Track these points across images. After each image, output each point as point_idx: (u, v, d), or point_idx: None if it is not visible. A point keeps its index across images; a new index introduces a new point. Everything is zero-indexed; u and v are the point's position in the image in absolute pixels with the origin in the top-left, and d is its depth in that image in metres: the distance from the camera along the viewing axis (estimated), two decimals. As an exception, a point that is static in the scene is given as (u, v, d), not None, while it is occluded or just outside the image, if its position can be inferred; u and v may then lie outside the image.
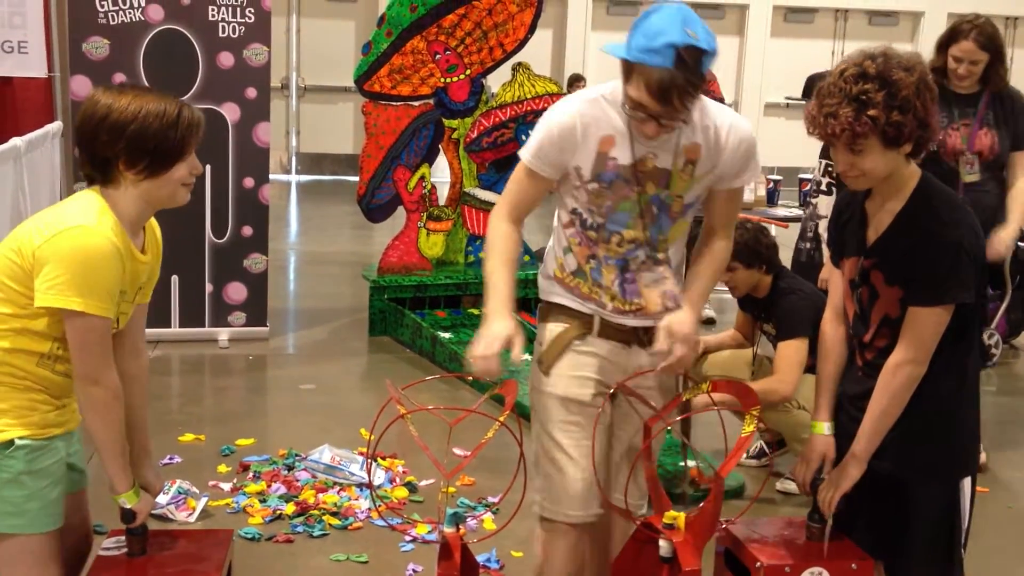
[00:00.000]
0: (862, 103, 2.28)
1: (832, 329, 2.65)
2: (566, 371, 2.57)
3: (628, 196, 2.48)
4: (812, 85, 5.19)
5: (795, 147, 8.04)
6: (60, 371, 2.34)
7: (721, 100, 6.69)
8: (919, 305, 2.40)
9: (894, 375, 2.45)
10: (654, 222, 2.51)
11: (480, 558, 3.35)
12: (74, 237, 2.21)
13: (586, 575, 2.70)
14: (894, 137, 2.31)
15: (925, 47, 14.84)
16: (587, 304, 2.58)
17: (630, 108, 2.35)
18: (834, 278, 2.67)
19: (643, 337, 2.59)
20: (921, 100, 2.32)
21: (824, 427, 2.63)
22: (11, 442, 2.26)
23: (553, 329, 2.61)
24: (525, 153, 2.53)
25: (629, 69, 2.31)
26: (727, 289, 4.19)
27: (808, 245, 5.06)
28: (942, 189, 2.48)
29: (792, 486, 4.18)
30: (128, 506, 2.40)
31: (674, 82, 2.24)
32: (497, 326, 2.41)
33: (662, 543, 2.42)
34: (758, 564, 2.52)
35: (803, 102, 3.74)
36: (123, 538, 2.47)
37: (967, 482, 2.58)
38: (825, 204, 4.89)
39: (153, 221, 2.47)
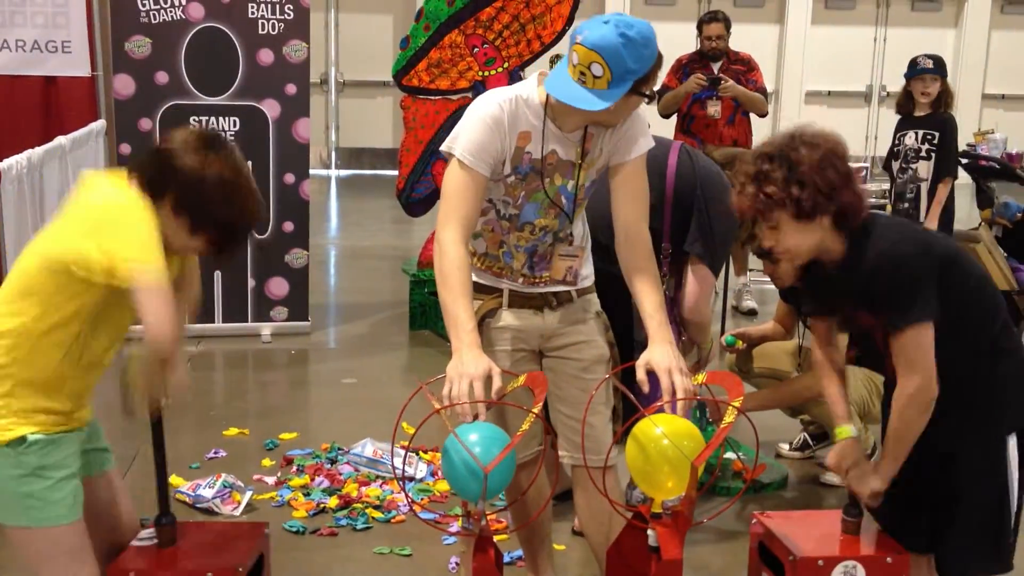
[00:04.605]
0: (762, 180, 2.41)
1: (823, 354, 2.71)
2: (485, 346, 2.67)
3: (539, 188, 2.65)
4: (915, 66, 5.83)
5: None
6: (85, 362, 2.33)
7: (763, 91, 6.66)
8: (892, 332, 2.43)
9: (906, 405, 2.46)
10: (562, 211, 2.69)
11: (516, 553, 3.37)
12: (111, 205, 2.22)
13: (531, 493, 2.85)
14: (799, 212, 2.39)
15: (969, 33, 14.66)
16: (498, 281, 2.76)
17: None
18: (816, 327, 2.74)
19: (552, 300, 2.77)
20: (823, 175, 2.38)
21: (849, 430, 2.66)
22: (23, 439, 2.28)
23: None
24: (462, 152, 2.53)
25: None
26: (769, 280, 4.14)
27: (906, 206, 5.81)
28: (878, 221, 2.49)
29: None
30: None
31: None
32: (470, 363, 2.36)
33: (650, 532, 2.42)
34: (791, 557, 2.51)
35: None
36: (155, 530, 2.51)
37: (1012, 440, 2.53)
38: (924, 168, 5.79)
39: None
